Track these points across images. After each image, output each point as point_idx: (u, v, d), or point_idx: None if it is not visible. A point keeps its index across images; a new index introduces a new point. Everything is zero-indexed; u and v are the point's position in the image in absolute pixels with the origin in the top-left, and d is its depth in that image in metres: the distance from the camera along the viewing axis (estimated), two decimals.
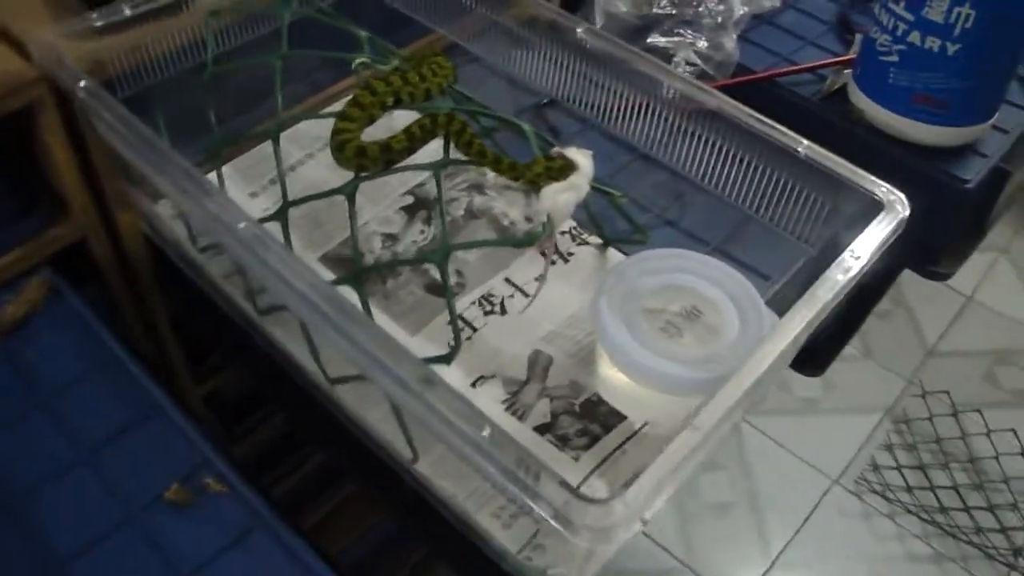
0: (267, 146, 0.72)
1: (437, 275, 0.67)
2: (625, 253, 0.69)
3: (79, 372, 0.63)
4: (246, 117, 0.72)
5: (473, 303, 0.65)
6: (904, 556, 1.50)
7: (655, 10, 0.88)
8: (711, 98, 0.59)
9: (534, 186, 0.53)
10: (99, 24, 0.64)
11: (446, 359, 0.53)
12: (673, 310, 0.63)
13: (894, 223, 0.53)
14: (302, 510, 0.97)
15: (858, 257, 0.51)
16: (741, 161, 0.60)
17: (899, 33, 0.77)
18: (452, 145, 0.57)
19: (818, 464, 1.60)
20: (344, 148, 0.55)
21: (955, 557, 1.49)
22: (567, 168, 0.53)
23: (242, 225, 0.50)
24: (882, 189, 0.55)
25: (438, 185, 0.54)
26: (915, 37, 0.76)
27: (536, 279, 0.66)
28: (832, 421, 1.66)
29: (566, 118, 0.82)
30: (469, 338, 0.63)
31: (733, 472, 1.60)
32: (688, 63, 0.87)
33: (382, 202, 0.71)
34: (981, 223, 0.87)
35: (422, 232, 0.70)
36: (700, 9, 0.88)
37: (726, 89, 0.86)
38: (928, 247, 0.84)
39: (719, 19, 0.88)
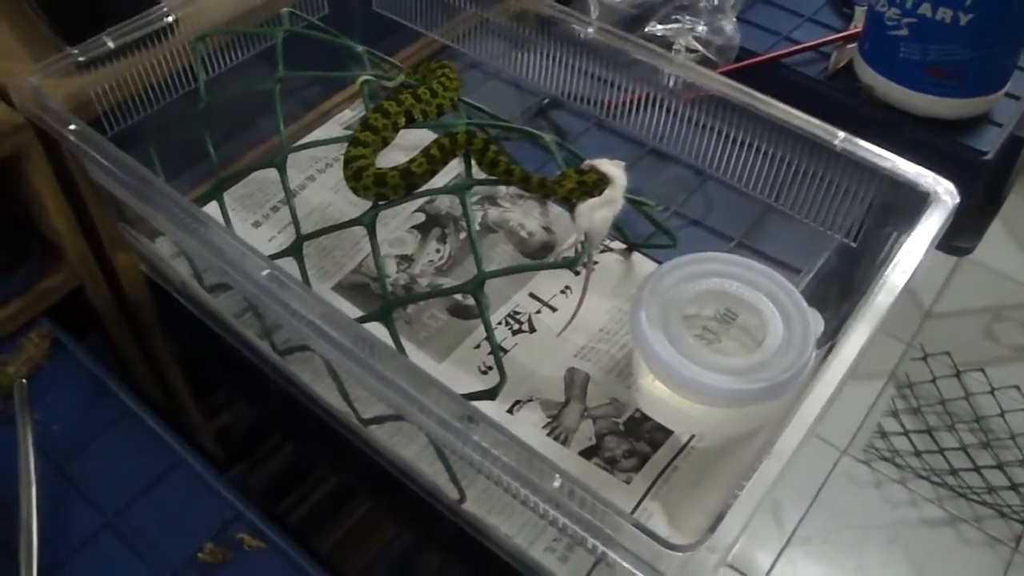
0: (264, 172, 0.69)
1: (459, 296, 0.64)
2: (651, 258, 0.67)
3: (92, 430, 0.60)
4: (238, 142, 0.68)
5: (500, 323, 0.62)
6: (918, 521, 1.50)
7: None
8: (718, 84, 0.57)
9: (567, 203, 0.50)
10: (81, 59, 0.60)
11: (490, 394, 0.50)
12: (707, 314, 0.61)
13: (945, 215, 0.51)
14: (319, 531, 0.95)
15: (913, 256, 0.49)
16: (764, 152, 0.57)
17: (908, 6, 0.74)
18: (475, 163, 0.53)
19: (825, 435, 1.59)
20: (362, 177, 0.52)
21: (969, 518, 1.49)
22: (601, 182, 0.50)
23: (265, 273, 0.46)
24: (928, 180, 0.53)
25: (464, 209, 0.51)
26: (926, 9, 0.74)
27: (563, 291, 0.63)
28: None
29: (570, 116, 0.79)
30: None
31: None
32: (689, 49, 0.84)
33: (391, 222, 0.68)
34: (999, 193, 0.85)
35: (438, 251, 0.67)
36: None
37: (730, 74, 0.84)
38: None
39: (716, 1, 0.85)
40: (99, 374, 0.63)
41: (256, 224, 0.69)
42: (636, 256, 0.67)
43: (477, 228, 0.68)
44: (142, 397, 0.63)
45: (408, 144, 0.60)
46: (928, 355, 1.60)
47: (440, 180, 0.56)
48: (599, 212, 0.49)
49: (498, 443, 0.41)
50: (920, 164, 0.80)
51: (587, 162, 0.51)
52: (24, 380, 0.60)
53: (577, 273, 0.53)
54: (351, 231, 0.67)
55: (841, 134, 0.54)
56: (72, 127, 0.54)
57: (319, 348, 0.47)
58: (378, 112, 0.55)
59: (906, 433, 1.57)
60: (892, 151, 0.79)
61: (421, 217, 0.69)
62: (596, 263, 0.66)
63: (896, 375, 1.65)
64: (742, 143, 0.58)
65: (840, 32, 0.87)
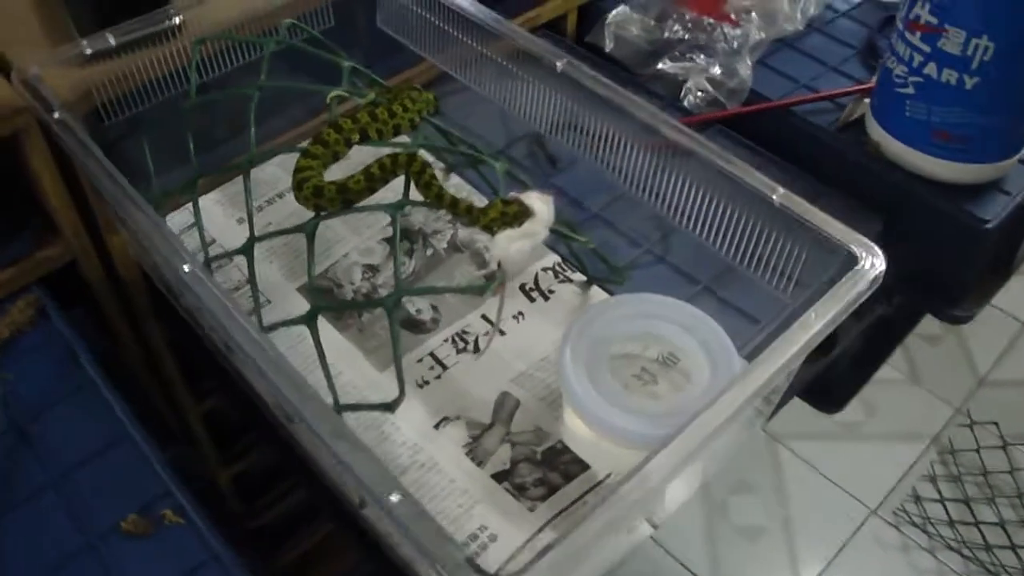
0: (258, 171, 0.73)
1: (413, 310, 0.66)
2: (610, 292, 0.67)
3: (55, 395, 0.64)
4: (234, 143, 0.71)
5: (447, 340, 0.64)
6: None
7: (667, 35, 0.86)
8: (684, 137, 0.57)
9: (489, 231, 0.52)
10: (88, 52, 0.65)
11: (390, 407, 0.52)
12: (650, 356, 0.61)
13: (866, 280, 0.50)
14: (295, 534, 0.97)
15: (821, 317, 0.48)
16: (717, 205, 0.57)
17: (915, 64, 0.73)
18: (413, 185, 0.55)
19: (856, 492, 1.55)
20: (302, 187, 0.55)
21: None
22: (522, 214, 0.51)
23: (186, 268, 0.49)
24: (858, 242, 0.52)
25: (394, 226, 0.53)
26: (931, 69, 0.72)
27: (515, 317, 0.65)
28: (873, 448, 1.60)
29: (565, 145, 0.80)
30: (439, 377, 0.62)
31: (766, 496, 1.56)
32: (699, 90, 0.84)
33: (364, 232, 0.70)
34: (1006, 263, 0.82)
35: (403, 264, 0.69)
36: (715, 34, 0.85)
37: (737, 117, 0.84)
38: (948, 288, 0.81)
39: (735, 44, 0.85)
40: (74, 345, 0.67)
41: (240, 220, 0.72)
42: (595, 290, 0.67)
43: (444, 246, 0.69)
44: (115, 372, 0.67)
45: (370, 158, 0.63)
46: (975, 422, 1.54)
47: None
48: (516, 243, 0.51)
49: (354, 451, 0.42)
50: (922, 227, 0.79)
51: (513, 194, 0.52)
52: None
53: (522, 296, 0.54)
54: (325, 238, 0.71)
55: (781, 190, 0.54)
56: (56, 115, 0.58)
57: (231, 345, 0.49)
58: (332, 127, 0.57)
59: (942, 501, 1.52)
60: (893, 210, 0.79)
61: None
62: (552, 292, 0.67)
63: (939, 439, 1.60)
64: (706, 197, 0.58)
65: (858, 85, 0.85)
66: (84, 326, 0.70)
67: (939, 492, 1.53)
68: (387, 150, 0.56)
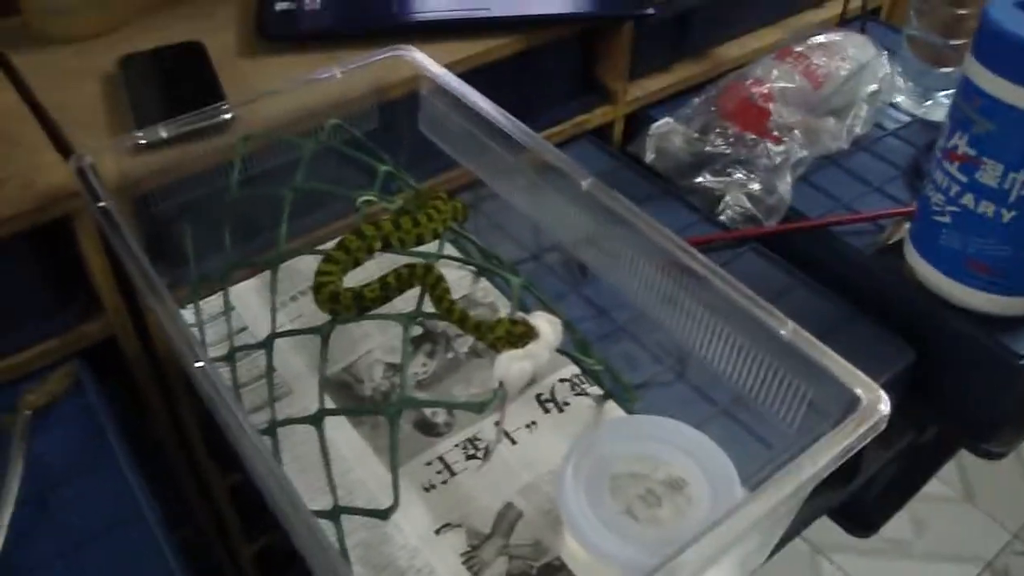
0: (296, 262, 0.75)
1: (428, 412, 0.67)
2: (627, 409, 0.67)
3: (78, 467, 0.66)
4: (273, 234, 0.74)
5: (457, 445, 0.65)
6: None
7: (708, 148, 0.87)
8: (699, 265, 0.57)
9: (494, 349, 0.53)
10: (142, 142, 0.68)
11: (384, 514, 0.52)
12: (657, 477, 0.61)
13: (867, 424, 0.50)
14: None
15: (815, 462, 0.48)
16: (728, 335, 0.57)
17: (952, 194, 0.73)
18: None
19: None
20: (320, 291, 0.57)
21: None
22: (527, 335, 0.52)
23: (198, 364, 0.51)
24: (863, 384, 0.52)
25: (404, 336, 0.55)
26: (968, 200, 0.72)
27: (528, 426, 0.65)
28: (922, 568, 1.54)
29: (588, 261, 0.81)
30: (445, 482, 0.63)
31: None
32: (737, 205, 0.84)
33: (390, 331, 0.72)
34: None
35: (424, 366, 0.70)
36: (757, 149, 0.86)
37: (774, 235, 0.84)
38: (980, 422, 0.78)
39: (776, 160, 0.85)
40: (103, 418, 0.69)
41: (274, 309, 0.75)
42: (610, 405, 0.67)
43: (465, 351, 0.71)
44: (143, 444, 0.69)
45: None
46: None
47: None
48: (517, 363, 0.52)
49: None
50: (955, 358, 0.77)
51: (520, 314, 0.53)
52: (29, 412, 0.67)
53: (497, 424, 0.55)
54: (351, 332, 0.73)
55: (791, 324, 0.54)
56: (100, 204, 0.62)
57: (222, 422, 0.51)
58: (355, 234, 0.59)
59: None
60: (927, 339, 0.77)
61: (419, 330, 0.72)
62: (567, 404, 0.67)
63: (993, 566, 1.53)
64: (705, 317, 0.58)
65: (900, 207, 0.85)
66: (117, 399, 0.73)
67: None
68: (406, 259, 0.57)
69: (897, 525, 1.59)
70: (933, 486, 1.49)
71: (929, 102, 0.99)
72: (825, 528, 1.04)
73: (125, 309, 0.74)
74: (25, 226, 0.66)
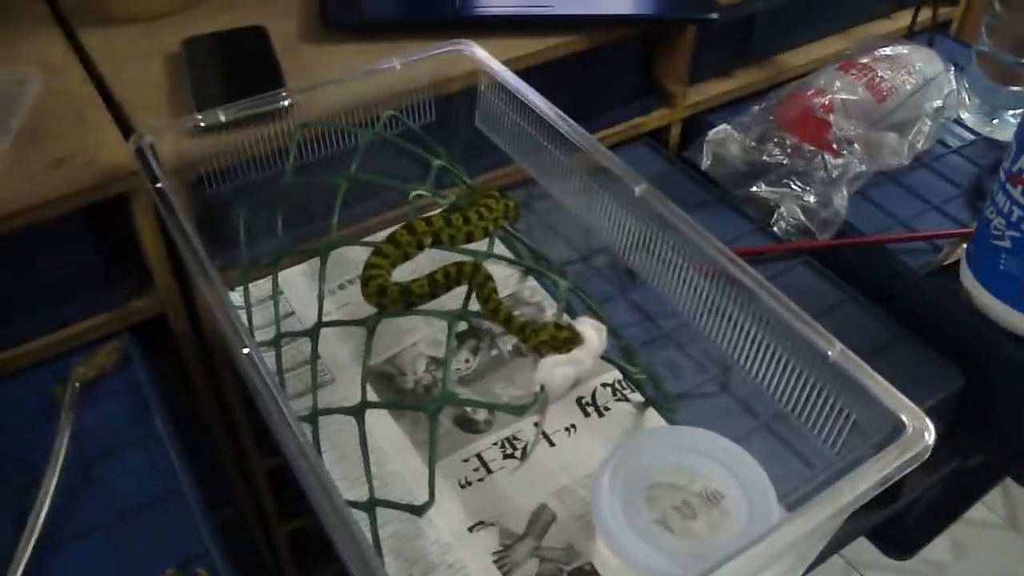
0: (345, 251, 0.76)
1: (469, 408, 0.67)
2: (668, 418, 0.67)
3: (123, 440, 0.67)
4: (327, 220, 0.75)
5: (495, 443, 0.65)
6: None
7: (765, 158, 0.85)
8: (748, 278, 0.56)
9: (537, 353, 0.53)
10: (202, 125, 0.69)
11: (419, 510, 0.53)
12: (694, 490, 0.60)
13: (911, 453, 0.49)
14: None
15: (855, 488, 0.47)
16: (773, 350, 0.56)
17: (1013, 218, 0.71)
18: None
19: None
20: (368, 284, 0.57)
21: None
22: (571, 341, 0.52)
23: (244, 350, 0.52)
24: (909, 411, 0.51)
25: (448, 334, 0.55)
26: None
27: (567, 429, 0.65)
28: None
29: (637, 266, 0.81)
30: (482, 479, 0.63)
31: None
32: (791, 217, 0.83)
33: (435, 324, 0.72)
34: None
35: (467, 361, 0.70)
36: (814, 161, 0.84)
37: (826, 249, 0.82)
38: None
39: (833, 174, 0.84)
40: (148, 395, 0.71)
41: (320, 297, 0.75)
42: (650, 412, 0.67)
43: (509, 349, 0.71)
44: (187, 422, 0.70)
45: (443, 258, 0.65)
46: None
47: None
48: (560, 369, 0.51)
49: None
50: (1005, 386, 0.76)
51: (566, 319, 0.53)
52: (79, 384, 0.68)
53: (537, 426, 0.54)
54: (397, 324, 0.73)
55: (838, 345, 0.53)
56: (157, 185, 0.62)
57: (263, 408, 0.51)
58: (406, 228, 0.60)
59: None
60: (979, 365, 0.76)
61: (464, 326, 0.72)
62: (608, 409, 0.67)
63: None
64: (751, 330, 0.58)
65: (959, 228, 0.83)
66: (164, 376, 0.74)
67: None
68: (456, 257, 0.57)
69: (937, 547, 1.56)
70: (977, 511, 1.45)
71: (996, 121, 0.97)
72: (862, 545, 1.02)
73: (176, 288, 0.75)
74: (84, 203, 0.67)
